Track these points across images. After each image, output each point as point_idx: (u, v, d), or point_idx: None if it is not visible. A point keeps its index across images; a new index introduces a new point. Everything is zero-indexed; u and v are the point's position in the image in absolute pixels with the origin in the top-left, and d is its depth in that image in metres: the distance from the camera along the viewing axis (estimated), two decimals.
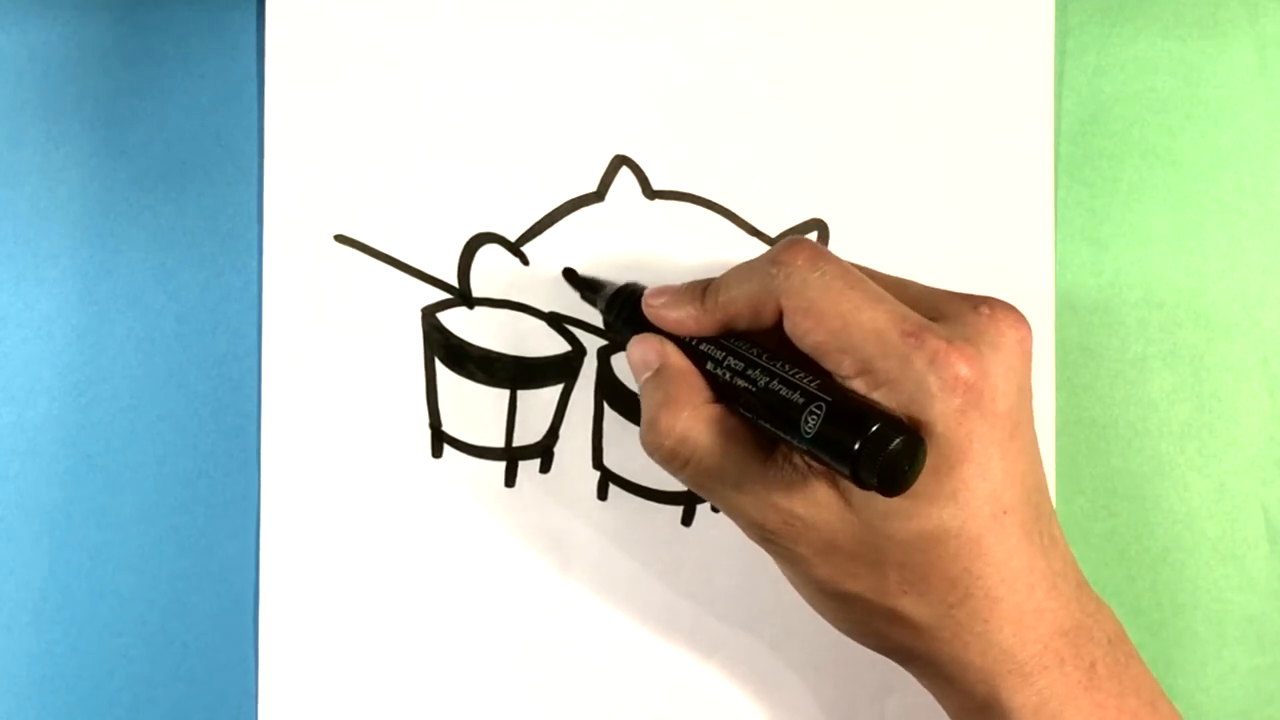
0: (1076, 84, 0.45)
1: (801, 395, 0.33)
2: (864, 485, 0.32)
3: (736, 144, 0.43)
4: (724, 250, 0.43)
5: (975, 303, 0.35)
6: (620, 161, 0.43)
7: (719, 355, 0.36)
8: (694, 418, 0.35)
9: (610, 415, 0.43)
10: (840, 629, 0.36)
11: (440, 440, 0.43)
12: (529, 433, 0.43)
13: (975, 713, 0.34)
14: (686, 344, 0.37)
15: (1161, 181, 0.45)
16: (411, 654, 0.42)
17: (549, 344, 0.43)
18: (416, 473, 0.42)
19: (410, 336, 0.42)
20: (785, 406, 0.34)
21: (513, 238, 0.43)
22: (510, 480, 0.43)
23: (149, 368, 0.43)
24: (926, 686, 0.36)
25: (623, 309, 0.40)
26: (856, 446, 0.31)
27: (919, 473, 0.32)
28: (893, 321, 0.33)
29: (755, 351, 0.36)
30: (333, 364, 0.42)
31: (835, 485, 0.34)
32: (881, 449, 0.31)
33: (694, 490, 0.37)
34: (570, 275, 0.42)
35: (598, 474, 0.43)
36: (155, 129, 0.43)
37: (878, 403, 0.33)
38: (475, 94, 0.43)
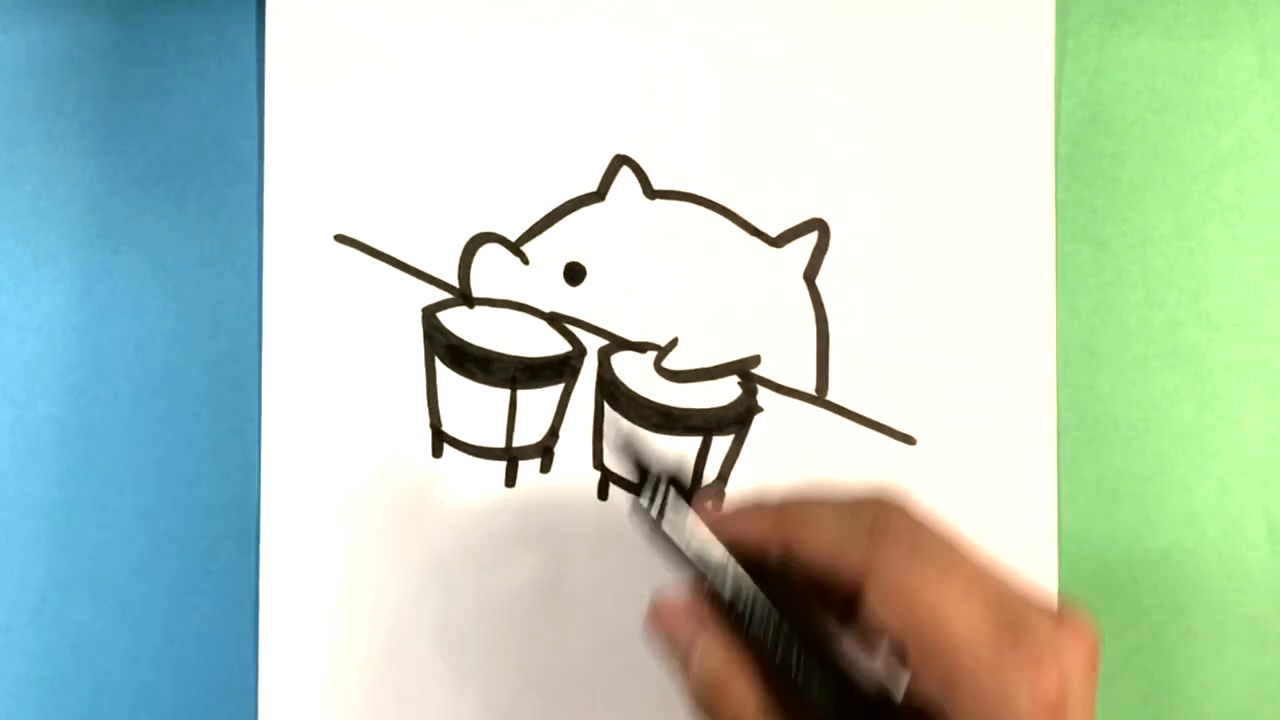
0: (1076, 84, 0.45)
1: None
2: None
3: (736, 144, 0.43)
4: (724, 250, 0.43)
5: (1055, 607, 0.33)
6: (620, 161, 0.43)
7: (765, 632, 0.33)
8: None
9: (610, 415, 0.43)
10: None
11: (440, 440, 0.43)
12: (529, 433, 0.43)
13: None
14: (728, 599, 0.33)
15: (1161, 181, 0.45)
16: (411, 654, 0.42)
17: (549, 344, 0.43)
18: (416, 473, 0.42)
19: (410, 336, 0.42)
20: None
21: (513, 238, 0.43)
22: (510, 480, 0.43)
23: (149, 368, 0.43)
24: None
25: (656, 501, 0.35)
26: None
27: None
28: (989, 623, 0.31)
29: (793, 636, 0.33)
30: (333, 364, 0.42)
31: None
32: None
33: None
34: (626, 448, 0.37)
35: (598, 474, 0.43)
36: (155, 129, 0.43)
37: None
38: (475, 94, 0.43)
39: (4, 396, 0.42)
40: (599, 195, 0.43)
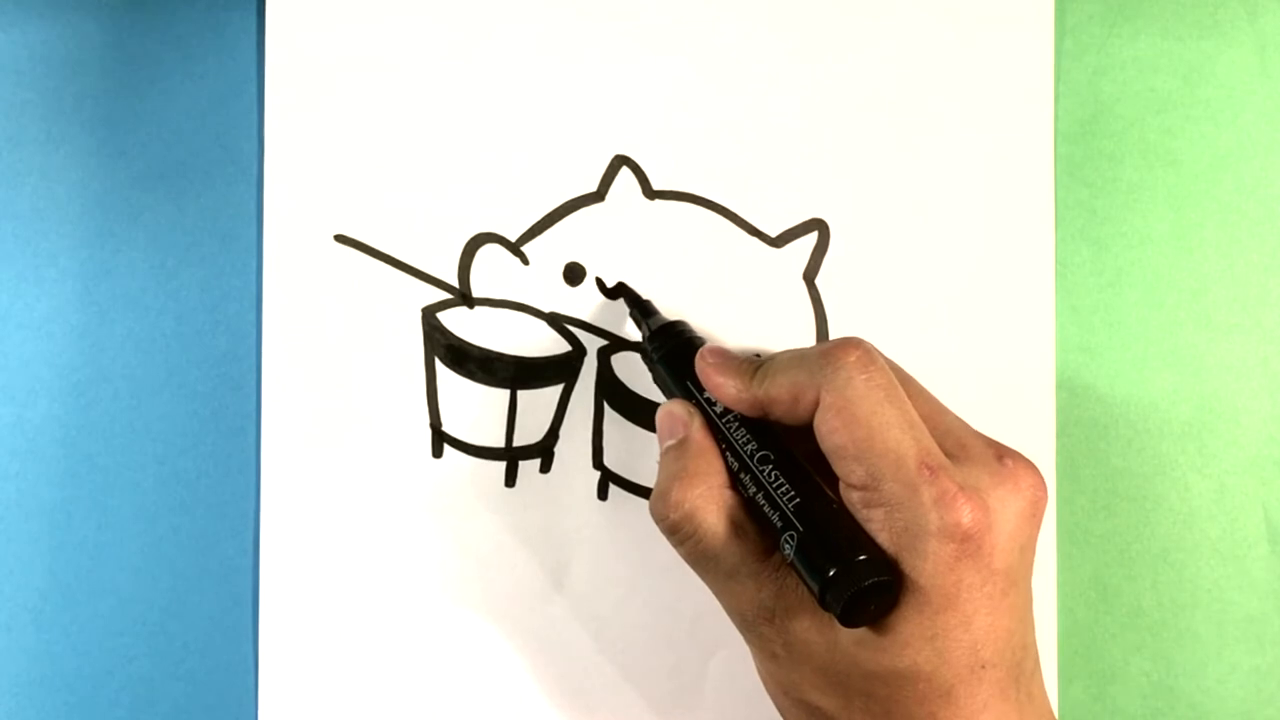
0: (1076, 84, 0.45)
1: (780, 518, 0.34)
2: (827, 609, 0.33)
3: (736, 144, 0.43)
4: (724, 250, 0.43)
5: (1000, 453, 0.34)
6: (620, 161, 0.43)
7: (733, 444, 0.37)
8: (705, 498, 0.36)
9: (610, 415, 0.43)
10: None
11: (440, 440, 0.43)
12: (529, 433, 0.43)
13: None
14: (715, 421, 0.37)
15: (1161, 181, 0.45)
16: (411, 654, 0.42)
17: (549, 344, 0.43)
18: (416, 473, 0.42)
19: (410, 336, 0.42)
20: (767, 522, 0.35)
21: (513, 238, 0.43)
22: (510, 480, 0.43)
23: (149, 368, 0.43)
24: None
25: (665, 342, 0.40)
26: (831, 573, 0.32)
27: (887, 613, 0.32)
28: (916, 451, 0.33)
29: (755, 453, 0.36)
30: (333, 364, 0.42)
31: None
32: (853, 583, 0.32)
33: (688, 564, 0.37)
34: (625, 291, 0.42)
35: (598, 474, 0.43)
36: (155, 129, 0.43)
37: (862, 531, 0.33)
38: (475, 95, 0.43)
39: (4, 396, 0.42)
40: (599, 195, 0.43)
